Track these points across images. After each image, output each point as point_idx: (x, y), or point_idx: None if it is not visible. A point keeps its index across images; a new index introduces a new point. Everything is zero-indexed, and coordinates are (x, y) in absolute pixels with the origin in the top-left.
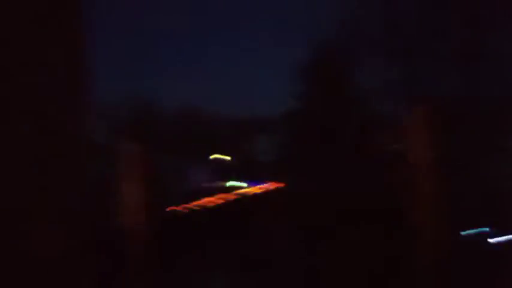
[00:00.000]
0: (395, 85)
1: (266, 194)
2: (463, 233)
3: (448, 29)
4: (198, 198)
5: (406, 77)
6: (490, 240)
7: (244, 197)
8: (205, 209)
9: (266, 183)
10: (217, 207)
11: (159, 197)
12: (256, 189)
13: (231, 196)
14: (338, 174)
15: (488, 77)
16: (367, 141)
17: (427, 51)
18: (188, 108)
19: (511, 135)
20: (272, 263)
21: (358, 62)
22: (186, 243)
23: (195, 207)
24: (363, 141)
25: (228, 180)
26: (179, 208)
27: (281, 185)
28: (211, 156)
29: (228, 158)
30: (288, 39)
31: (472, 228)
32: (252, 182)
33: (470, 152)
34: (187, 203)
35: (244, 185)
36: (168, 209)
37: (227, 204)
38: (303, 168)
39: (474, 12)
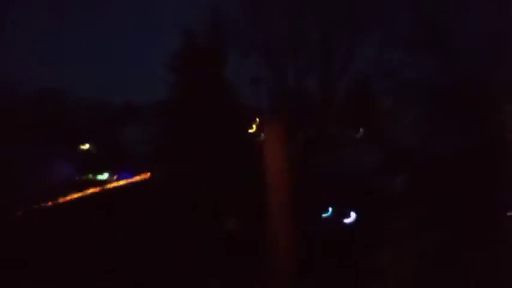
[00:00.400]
0: (263, 81)
1: (130, 186)
2: (323, 215)
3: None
4: (64, 193)
5: (273, 75)
6: (345, 220)
7: (107, 190)
8: (61, 204)
9: (137, 175)
10: (74, 202)
11: (12, 192)
12: (125, 181)
13: (98, 190)
14: (206, 167)
15: (342, 77)
16: (235, 132)
17: (292, 53)
18: (49, 92)
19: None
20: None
21: (230, 57)
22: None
23: (51, 205)
24: (232, 132)
25: (98, 173)
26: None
27: (147, 176)
28: (80, 147)
29: (96, 148)
30: (161, 27)
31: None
32: (124, 174)
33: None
34: (49, 199)
35: (114, 177)
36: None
37: (87, 197)
38: (174, 159)
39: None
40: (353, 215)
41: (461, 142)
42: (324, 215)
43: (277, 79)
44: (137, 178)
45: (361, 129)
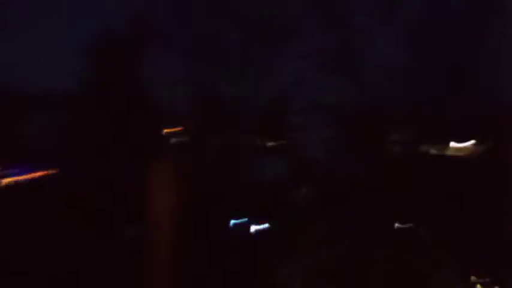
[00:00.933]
0: (182, 84)
1: (25, 182)
2: (231, 222)
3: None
4: None
5: (193, 78)
6: (251, 229)
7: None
8: None
9: (35, 171)
10: None
11: None
12: (26, 177)
13: None
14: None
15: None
16: (148, 134)
17: (212, 55)
18: None
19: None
20: None
21: (149, 55)
22: None
23: None
24: (143, 133)
25: None
26: None
27: (50, 171)
28: None
29: None
30: (78, 16)
31: (237, 219)
32: (23, 168)
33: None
34: None
35: (7, 171)
36: None
37: None
38: (79, 154)
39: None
40: (258, 226)
41: (362, 162)
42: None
43: (195, 84)
44: (34, 174)
45: (273, 142)
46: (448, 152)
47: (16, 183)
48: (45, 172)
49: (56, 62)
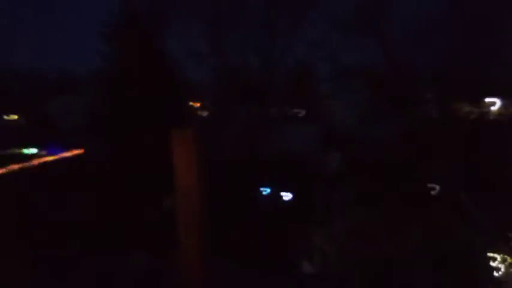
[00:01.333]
0: (205, 56)
1: (60, 162)
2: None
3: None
4: None
5: (215, 49)
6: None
7: (33, 166)
8: None
9: (68, 150)
10: None
11: None
12: (55, 157)
13: (23, 166)
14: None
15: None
16: (176, 108)
17: (235, 25)
18: None
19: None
20: None
21: (170, 30)
22: None
23: None
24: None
25: (24, 147)
26: None
27: (80, 151)
28: (5, 117)
29: (24, 119)
30: None
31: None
32: (53, 148)
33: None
34: None
35: (43, 152)
36: None
37: (11, 174)
38: (110, 135)
39: None
40: (289, 194)
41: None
42: (263, 193)
43: (218, 55)
44: (68, 154)
45: (300, 111)
46: None
47: (47, 162)
48: (74, 152)
49: (79, 44)
